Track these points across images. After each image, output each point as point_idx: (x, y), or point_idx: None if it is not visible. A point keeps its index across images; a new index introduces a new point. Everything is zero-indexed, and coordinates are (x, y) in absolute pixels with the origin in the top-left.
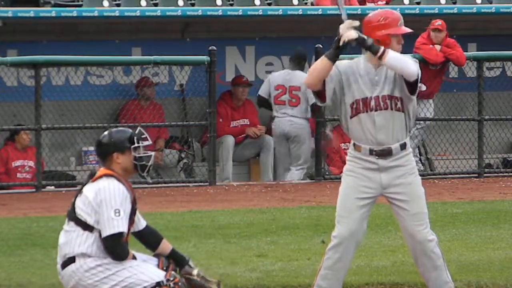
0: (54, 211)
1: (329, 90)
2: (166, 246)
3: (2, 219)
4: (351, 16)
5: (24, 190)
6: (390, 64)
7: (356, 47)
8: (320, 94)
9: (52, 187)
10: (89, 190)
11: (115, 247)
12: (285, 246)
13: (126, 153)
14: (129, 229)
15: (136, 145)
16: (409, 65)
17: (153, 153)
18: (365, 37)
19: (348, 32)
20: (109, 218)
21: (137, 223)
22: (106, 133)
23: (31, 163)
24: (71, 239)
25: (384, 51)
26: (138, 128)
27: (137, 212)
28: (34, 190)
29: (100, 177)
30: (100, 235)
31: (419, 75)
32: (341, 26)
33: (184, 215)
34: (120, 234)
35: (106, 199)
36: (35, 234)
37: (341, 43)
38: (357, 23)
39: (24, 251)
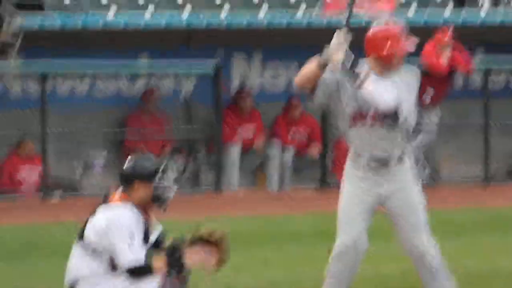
0: (59, 219)
1: (321, 95)
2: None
3: (7, 226)
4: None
5: (29, 198)
6: (365, 98)
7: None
8: (312, 93)
9: (58, 195)
10: (102, 213)
11: (139, 276)
12: (290, 254)
13: (148, 185)
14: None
15: (159, 180)
16: (383, 103)
17: (173, 190)
18: (349, 62)
19: (336, 53)
20: (122, 246)
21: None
22: (131, 158)
23: (37, 172)
24: (76, 263)
25: (361, 83)
26: (165, 161)
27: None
28: (39, 198)
29: (116, 201)
30: (111, 260)
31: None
32: (332, 41)
33: (190, 223)
34: (140, 262)
35: (118, 226)
36: (40, 242)
37: (328, 64)
38: (348, 37)
39: (29, 259)
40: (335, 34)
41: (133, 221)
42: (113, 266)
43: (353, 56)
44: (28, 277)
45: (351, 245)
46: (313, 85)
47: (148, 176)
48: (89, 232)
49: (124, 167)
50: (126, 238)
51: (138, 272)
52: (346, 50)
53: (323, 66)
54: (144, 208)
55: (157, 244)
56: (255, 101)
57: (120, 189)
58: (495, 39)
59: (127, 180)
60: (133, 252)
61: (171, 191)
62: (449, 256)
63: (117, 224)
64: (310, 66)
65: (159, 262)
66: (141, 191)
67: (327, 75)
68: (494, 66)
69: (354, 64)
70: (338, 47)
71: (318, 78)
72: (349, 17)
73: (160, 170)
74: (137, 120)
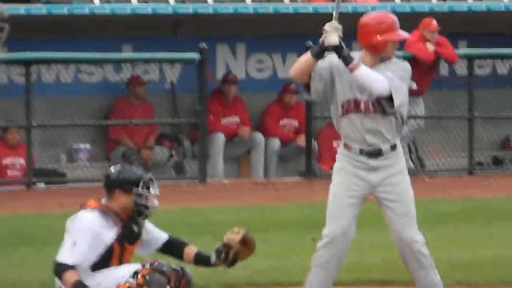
0: (44, 209)
1: (316, 86)
2: (189, 251)
3: None
4: (341, 15)
5: (14, 187)
6: (358, 80)
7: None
8: (307, 87)
9: (43, 184)
10: (71, 218)
11: (59, 276)
12: (276, 244)
13: (129, 195)
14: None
15: (140, 191)
16: (378, 85)
17: (156, 204)
18: (344, 45)
19: (330, 37)
20: (65, 245)
21: (153, 242)
22: (116, 167)
23: (22, 161)
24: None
25: (355, 66)
26: (149, 174)
27: (149, 235)
28: (24, 187)
29: (86, 207)
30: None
31: (396, 91)
32: (326, 26)
33: (175, 213)
34: (66, 265)
35: (72, 228)
36: (26, 232)
37: (323, 46)
38: (340, 26)
39: (15, 249)
40: (327, 23)
41: (91, 226)
42: (95, 266)
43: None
44: (15, 266)
45: (340, 235)
46: (308, 77)
47: (130, 186)
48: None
49: (109, 174)
50: (72, 239)
51: (58, 270)
52: (340, 36)
53: (318, 56)
54: (126, 215)
55: (168, 249)
56: (239, 90)
57: (93, 200)
58: (480, 28)
59: (110, 187)
60: (66, 253)
61: (153, 204)
62: (433, 245)
63: (74, 224)
64: (306, 57)
65: (73, 277)
66: (122, 200)
67: (321, 64)
68: (478, 55)
69: (347, 49)
70: (333, 31)
71: (312, 68)
72: (337, 7)
73: (144, 181)
74: (122, 108)
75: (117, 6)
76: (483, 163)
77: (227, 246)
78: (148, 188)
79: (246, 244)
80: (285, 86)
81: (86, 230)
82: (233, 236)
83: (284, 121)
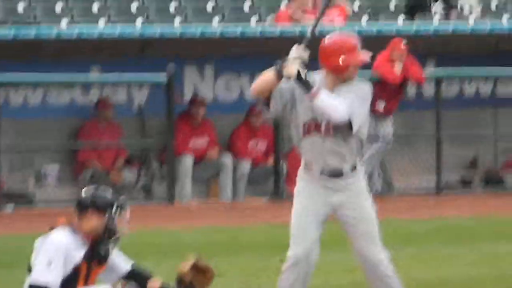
0: (12, 230)
1: (276, 104)
2: (153, 285)
3: None
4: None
5: None
6: (317, 108)
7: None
8: (268, 104)
9: (11, 207)
10: (40, 238)
11: None
12: (244, 265)
13: (101, 216)
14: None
15: (113, 213)
16: (336, 113)
17: (126, 230)
18: (304, 74)
19: (289, 67)
20: (39, 265)
21: (117, 269)
22: (90, 188)
23: None
24: None
25: (314, 94)
26: (123, 198)
27: (114, 260)
28: None
29: (56, 227)
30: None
31: (354, 119)
32: (291, 53)
33: (143, 234)
34: (44, 287)
35: (45, 248)
36: None
37: (284, 73)
38: (304, 53)
39: None
40: (294, 47)
41: (63, 245)
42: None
43: (307, 70)
44: None
45: (304, 257)
46: (269, 93)
47: (103, 208)
48: (32, 258)
49: (82, 195)
50: (46, 258)
51: None
52: (301, 64)
53: (280, 76)
54: (95, 236)
55: (131, 279)
56: (208, 111)
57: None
58: (447, 49)
59: (82, 208)
60: (41, 273)
61: (123, 229)
62: (400, 265)
63: (47, 243)
64: (268, 75)
65: None
66: (94, 221)
67: (283, 84)
68: (446, 76)
69: (308, 77)
70: (294, 60)
71: (275, 87)
72: (314, 29)
73: (118, 205)
74: (90, 130)
75: (84, 28)
76: (450, 183)
77: (180, 277)
78: (121, 212)
79: (201, 271)
80: (250, 109)
81: (60, 250)
82: (184, 265)
83: (252, 143)
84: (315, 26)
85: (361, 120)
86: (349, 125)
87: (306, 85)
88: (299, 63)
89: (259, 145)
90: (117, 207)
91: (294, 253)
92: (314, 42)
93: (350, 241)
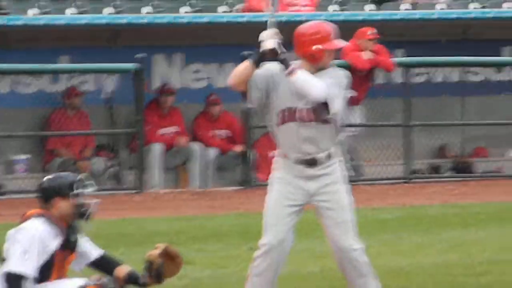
0: None
1: (254, 94)
2: (121, 270)
3: None
4: (277, 23)
5: None
6: (296, 84)
7: (273, 58)
8: (247, 95)
9: None
10: (14, 229)
11: (14, 286)
12: (213, 253)
13: (67, 199)
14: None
15: (76, 191)
16: (315, 90)
17: (95, 201)
18: (281, 50)
19: (266, 41)
20: (15, 254)
21: (86, 256)
22: (48, 177)
23: None
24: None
25: (293, 70)
26: (81, 174)
27: (84, 247)
28: None
29: (30, 217)
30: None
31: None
32: (263, 33)
33: (112, 223)
34: (20, 275)
35: (20, 237)
36: None
37: (260, 50)
38: (277, 31)
39: None
40: (265, 31)
41: (38, 234)
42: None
43: (284, 50)
44: None
45: (278, 245)
46: (246, 84)
47: (66, 191)
48: (4, 249)
49: (42, 185)
50: (21, 248)
51: (11, 281)
52: (277, 41)
53: (257, 63)
54: (66, 222)
55: (100, 265)
56: (176, 100)
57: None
58: (415, 36)
59: (46, 197)
60: (17, 262)
61: (91, 205)
62: (370, 253)
63: (22, 232)
64: (245, 64)
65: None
66: (61, 206)
67: (259, 72)
68: (415, 63)
69: (285, 54)
70: (270, 36)
71: (250, 75)
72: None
73: (78, 182)
74: (59, 119)
75: (52, 17)
76: (420, 170)
77: (148, 262)
78: (84, 187)
79: (170, 258)
80: (206, 98)
81: (35, 239)
82: (153, 251)
83: (213, 132)
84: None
85: (339, 103)
86: (326, 106)
87: (283, 62)
88: (274, 41)
89: (220, 133)
90: (78, 184)
91: (268, 241)
92: (280, 30)
93: (325, 229)
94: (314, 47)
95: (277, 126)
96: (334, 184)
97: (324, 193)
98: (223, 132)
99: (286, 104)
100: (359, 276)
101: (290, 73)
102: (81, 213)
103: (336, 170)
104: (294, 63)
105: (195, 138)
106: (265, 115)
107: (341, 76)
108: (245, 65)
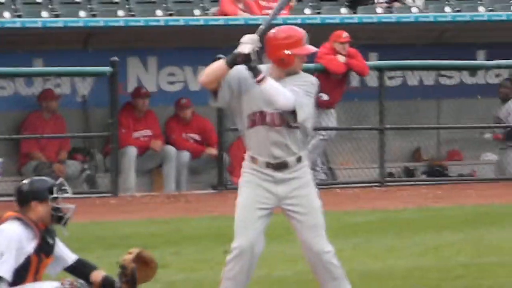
0: None
1: (224, 94)
2: (97, 275)
3: None
4: (251, 27)
5: None
6: (265, 93)
7: (245, 63)
8: (215, 93)
9: None
10: None
11: None
12: (188, 256)
13: (45, 203)
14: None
15: (55, 195)
16: (283, 99)
17: (72, 206)
18: (254, 58)
19: (243, 46)
20: None
21: (63, 260)
22: (26, 181)
23: None
24: None
25: (262, 79)
26: (60, 179)
27: (60, 251)
28: None
29: (6, 219)
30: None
31: (299, 108)
32: (244, 37)
33: (87, 226)
34: None
35: None
36: None
37: (235, 51)
38: (257, 38)
39: None
40: (247, 35)
41: (16, 236)
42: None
43: (257, 58)
44: None
45: (248, 248)
46: (217, 84)
47: (44, 196)
48: None
49: (20, 188)
50: None
51: None
52: (253, 50)
53: (231, 64)
54: (43, 225)
55: (76, 270)
56: (151, 103)
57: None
58: (391, 39)
59: (24, 200)
60: None
61: (69, 210)
62: (344, 257)
63: None
64: (218, 64)
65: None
66: (39, 210)
67: (234, 71)
68: (389, 66)
69: (258, 62)
70: (247, 43)
71: (223, 75)
72: (270, 21)
73: (57, 186)
74: (34, 122)
75: (27, 20)
76: (394, 174)
77: (122, 268)
78: (61, 193)
79: (145, 262)
80: (176, 102)
81: (12, 241)
82: (127, 256)
83: (184, 134)
84: (272, 19)
85: (307, 112)
86: (294, 114)
87: (254, 70)
88: (252, 48)
89: (192, 137)
90: (57, 188)
91: (239, 245)
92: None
93: (296, 232)
94: (284, 52)
95: (247, 129)
96: (303, 188)
97: (294, 197)
98: (195, 135)
99: (256, 108)
100: (331, 279)
101: (260, 81)
102: (58, 217)
103: (305, 174)
104: (264, 67)
105: (168, 141)
106: (235, 117)
107: (310, 83)
108: (219, 64)
